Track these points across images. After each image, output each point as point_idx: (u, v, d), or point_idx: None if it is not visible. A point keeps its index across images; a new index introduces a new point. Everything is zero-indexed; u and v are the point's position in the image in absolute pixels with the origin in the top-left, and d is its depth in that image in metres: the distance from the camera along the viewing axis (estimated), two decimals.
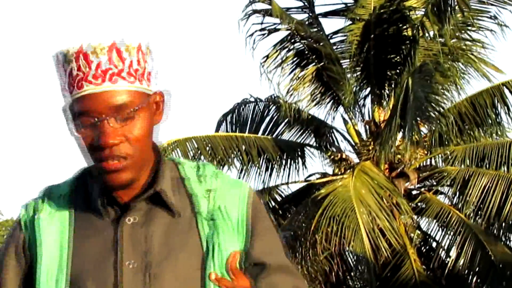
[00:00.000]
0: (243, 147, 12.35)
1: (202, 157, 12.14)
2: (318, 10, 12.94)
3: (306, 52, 12.59)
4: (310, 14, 12.75)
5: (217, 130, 13.29)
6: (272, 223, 1.87)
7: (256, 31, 12.25)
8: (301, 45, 12.56)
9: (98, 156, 1.74)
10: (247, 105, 13.67)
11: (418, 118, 11.20)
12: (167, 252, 1.75)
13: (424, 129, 12.32)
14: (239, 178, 10.58)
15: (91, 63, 1.74)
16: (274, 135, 13.13)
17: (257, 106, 13.61)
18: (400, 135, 11.68)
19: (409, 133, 10.96)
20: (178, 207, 1.79)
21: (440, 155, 12.74)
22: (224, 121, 13.51)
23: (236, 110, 13.62)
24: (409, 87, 10.84)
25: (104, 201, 1.78)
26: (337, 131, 13.04)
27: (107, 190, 1.78)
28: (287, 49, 12.52)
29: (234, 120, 13.51)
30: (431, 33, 11.98)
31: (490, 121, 12.61)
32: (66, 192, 1.86)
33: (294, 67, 12.71)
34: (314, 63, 12.65)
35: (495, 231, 11.97)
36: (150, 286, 1.73)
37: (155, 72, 1.83)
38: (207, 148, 12.21)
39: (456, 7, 11.48)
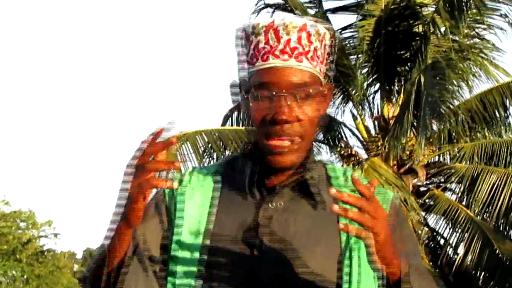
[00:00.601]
0: (253, 140, 12.32)
1: (212, 150, 12.16)
2: (326, 6, 12.96)
3: None
4: (318, 9, 12.75)
5: (223, 124, 13.28)
6: (410, 230, 1.86)
7: None
8: None
9: (268, 131, 1.75)
10: None
11: (431, 116, 11.17)
12: (306, 241, 1.74)
13: (433, 126, 12.30)
14: None
15: (280, 38, 1.75)
16: None
17: None
18: (409, 132, 11.66)
19: (423, 131, 10.93)
20: (323, 199, 1.78)
21: (448, 152, 12.74)
22: (231, 116, 13.51)
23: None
24: (421, 84, 10.83)
25: (252, 181, 1.78)
26: (346, 126, 13.04)
27: (255, 171, 1.78)
28: None
29: (241, 114, 13.51)
30: (442, 29, 11.98)
31: (499, 119, 12.60)
32: (213, 170, 1.87)
33: None
34: None
35: (503, 229, 11.95)
36: (286, 272, 1.72)
37: (331, 65, 1.82)
38: (218, 142, 12.21)
39: (469, 2, 11.47)
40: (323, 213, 1.77)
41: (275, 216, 1.75)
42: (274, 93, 1.74)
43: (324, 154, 12.96)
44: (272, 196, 1.77)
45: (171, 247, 1.76)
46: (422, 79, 10.86)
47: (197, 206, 1.78)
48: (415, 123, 11.23)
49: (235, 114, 13.46)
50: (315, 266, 1.72)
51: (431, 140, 12.10)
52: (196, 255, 1.74)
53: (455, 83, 11.76)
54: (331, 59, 1.82)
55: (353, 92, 12.56)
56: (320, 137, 13.13)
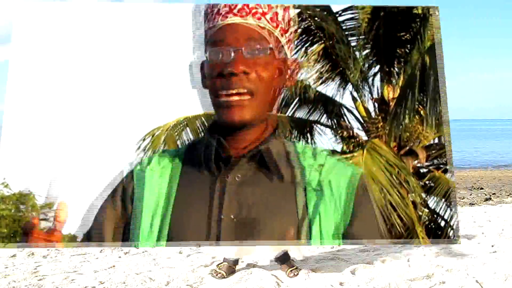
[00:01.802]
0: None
1: None
2: None
3: (314, 29, 12.52)
4: None
5: None
6: (373, 207, 1.89)
7: None
8: (309, 23, 12.48)
9: (217, 86, 1.74)
10: None
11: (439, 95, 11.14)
12: (264, 212, 1.77)
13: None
14: None
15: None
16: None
17: None
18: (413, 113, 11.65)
19: (433, 112, 10.90)
20: (280, 172, 1.79)
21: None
22: None
23: None
24: (426, 63, 10.80)
25: (209, 155, 1.79)
26: (346, 108, 13.01)
27: (213, 145, 1.78)
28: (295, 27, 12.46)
29: None
30: None
31: None
32: (178, 153, 1.89)
33: (302, 44, 12.65)
34: (322, 41, 12.58)
35: None
36: (246, 241, 1.74)
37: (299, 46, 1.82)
38: None
39: None
40: (280, 185, 1.79)
41: (232, 188, 1.77)
42: (229, 48, 1.74)
43: (326, 137, 12.94)
44: (229, 169, 1.79)
45: (135, 224, 1.79)
46: (427, 59, 10.83)
47: (160, 185, 1.82)
48: (417, 104, 11.20)
49: None
50: (274, 237, 1.74)
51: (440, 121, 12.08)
52: (157, 228, 1.76)
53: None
54: (289, 37, 1.82)
55: (352, 75, 12.53)
56: (322, 119, 13.11)
